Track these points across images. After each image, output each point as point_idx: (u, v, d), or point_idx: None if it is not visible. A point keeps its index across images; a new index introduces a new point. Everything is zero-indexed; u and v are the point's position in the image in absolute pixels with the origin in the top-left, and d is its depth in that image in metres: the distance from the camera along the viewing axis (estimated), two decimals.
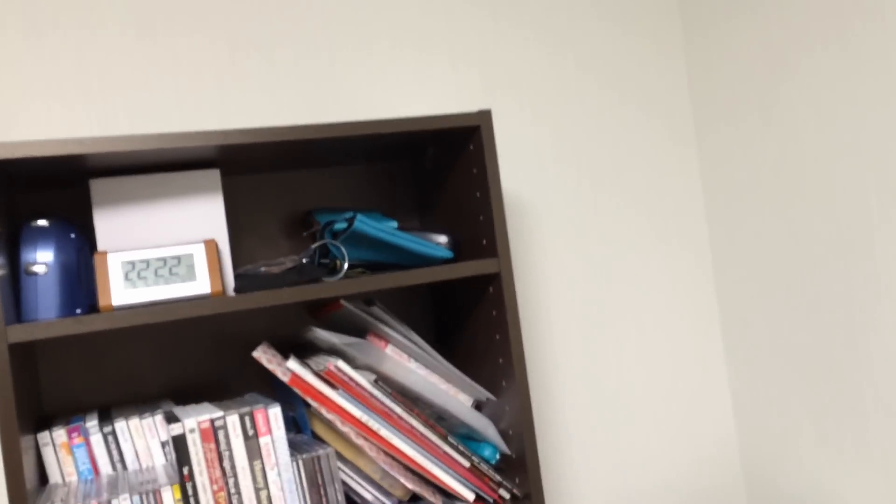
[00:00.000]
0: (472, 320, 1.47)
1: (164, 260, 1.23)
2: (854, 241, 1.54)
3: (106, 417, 1.30)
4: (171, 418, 1.20)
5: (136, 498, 1.13)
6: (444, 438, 1.34)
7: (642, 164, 1.88)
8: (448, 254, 1.40)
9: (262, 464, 1.20)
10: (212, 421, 1.17)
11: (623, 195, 1.86)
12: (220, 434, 1.18)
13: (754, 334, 1.82)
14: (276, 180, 1.55)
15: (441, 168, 1.52)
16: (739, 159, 1.79)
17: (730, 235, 1.85)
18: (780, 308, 1.74)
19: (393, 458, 1.33)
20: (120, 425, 1.26)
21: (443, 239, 1.44)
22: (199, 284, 1.24)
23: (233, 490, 1.18)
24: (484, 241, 1.40)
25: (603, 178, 1.84)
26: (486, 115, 1.36)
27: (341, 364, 1.28)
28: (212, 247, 1.26)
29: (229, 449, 1.18)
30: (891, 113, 1.44)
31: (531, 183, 1.78)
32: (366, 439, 1.31)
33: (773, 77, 1.67)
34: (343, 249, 1.35)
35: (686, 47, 1.90)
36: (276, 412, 1.21)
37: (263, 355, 1.30)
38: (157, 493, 1.14)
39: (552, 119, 1.80)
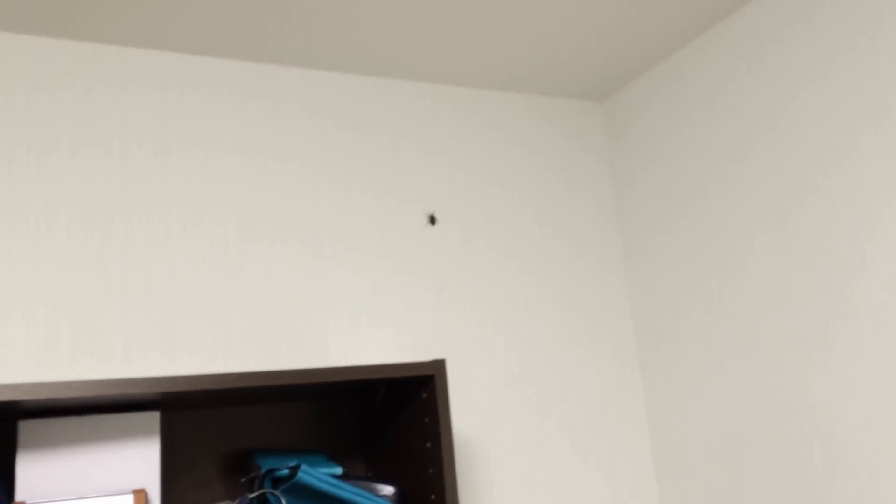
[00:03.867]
0: None
1: None
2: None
3: None
4: None
5: None
6: None
7: (591, 406, 1.87)
8: None
9: None
10: None
11: (572, 441, 1.83)
12: None
13: None
14: (217, 416, 1.49)
15: (391, 410, 1.49)
16: (684, 401, 1.80)
17: (677, 487, 1.82)
18: None
19: None
20: None
21: (388, 490, 1.37)
22: None
23: None
24: (432, 497, 1.33)
25: (553, 423, 1.82)
26: (440, 365, 1.35)
27: None
28: (141, 498, 1.18)
29: None
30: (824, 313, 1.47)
31: (480, 426, 1.74)
32: None
33: (709, 315, 1.72)
34: (283, 500, 1.27)
35: (629, 290, 1.97)
36: None
37: None
38: None
39: (502, 361, 1.80)
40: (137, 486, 1.23)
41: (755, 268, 1.63)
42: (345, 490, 1.30)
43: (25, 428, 1.18)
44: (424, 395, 1.37)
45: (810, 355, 1.52)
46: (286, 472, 1.30)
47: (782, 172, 1.58)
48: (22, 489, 1.17)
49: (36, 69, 1.52)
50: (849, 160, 1.45)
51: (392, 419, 1.48)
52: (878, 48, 1.40)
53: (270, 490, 1.29)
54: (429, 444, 1.35)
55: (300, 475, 1.26)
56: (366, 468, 1.58)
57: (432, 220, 1.79)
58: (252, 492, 1.39)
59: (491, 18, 1.62)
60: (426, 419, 1.36)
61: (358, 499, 1.30)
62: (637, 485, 1.87)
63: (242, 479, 1.45)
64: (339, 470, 1.44)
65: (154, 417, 1.26)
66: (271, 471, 1.32)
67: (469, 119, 1.91)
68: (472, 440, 1.73)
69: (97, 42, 1.57)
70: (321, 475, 1.28)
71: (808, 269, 1.52)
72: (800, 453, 1.53)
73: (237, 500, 1.39)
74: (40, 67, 1.52)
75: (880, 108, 1.39)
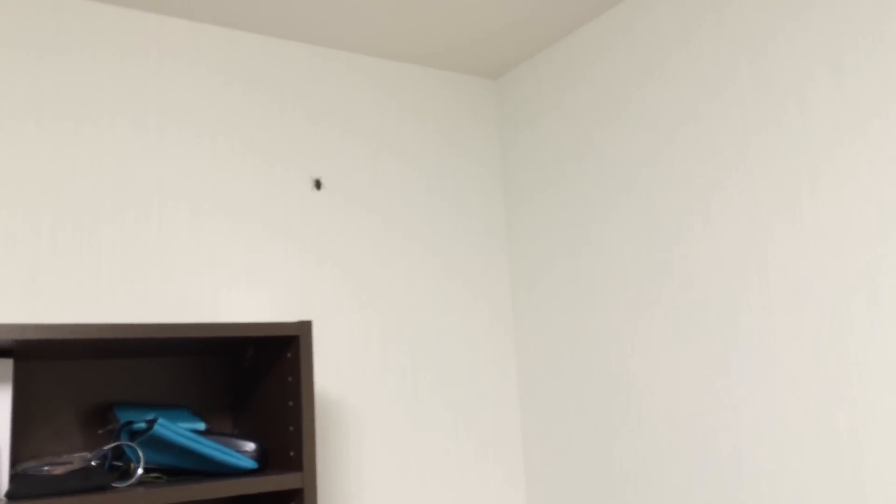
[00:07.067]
0: None
1: None
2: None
3: None
4: None
5: None
6: None
7: (463, 370, 1.93)
8: (252, 464, 1.36)
9: None
10: None
11: (444, 404, 1.89)
12: None
13: None
14: (79, 368, 1.48)
15: (259, 369, 1.51)
16: (552, 382, 1.88)
17: (542, 451, 1.91)
18: None
19: None
20: None
21: (250, 447, 1.40)
22: None
23: None
24: (291, 453, 1.37)
25: (426, 387, 1.87)
26: (305, 326, 1.38)
27: None
28: None
29: None
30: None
31: (353, 387, 1.78)
32: None
33: (577, 283, 1.81)
34: (139, 452, 1.28)
35: (510, 258, 2.04)
36: None
37: None
38: None
39: (379, 323, 1.84)
40: None
41: (617, 233, 1.72)
42: (202, 444, 1.31)
43: None
44: (289, 355, 1.39)
45: (657, 321, 1.62)
46: (143, 425, 1.31)
47: (641, 146, 1.67)
48: None
49: None
50: (699, 134, 1.54)
51: (259, 378, 1.50)
52: (719, 39, 1.49)
53: (127, 442, 1.30)
54: (291, 403, 1.38)
55: (156, 428, 1.27)
56: (233, 425, 1.60)
57: (318, 184, 1.80)
58: (110, 444, 1.39)
59: None
60: (290, 378, 1.39)
61: (215, 453, 1.32)
62: (503, 447, 1.95)
63: (100, 431, 1.45)
64: (201, 425, 1.45)
65: (7, 365, 1.24)
66: (128, 423, 1.33)
67: (362, 86, 1.92)
68: (345, 401, 1.76)
69: None
70: (179, 429, 1.30)
71: (661, 234, 1.62)
72: (650, 418, 1.64)
73: (94, 452, 1.39)
74: None
75: (726, 86, 1.49)
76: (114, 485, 1.24)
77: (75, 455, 1.37)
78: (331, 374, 1.76)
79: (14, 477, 1.19)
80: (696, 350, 1.55)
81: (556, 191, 1.91)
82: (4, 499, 1.18)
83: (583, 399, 1.80)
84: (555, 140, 1.93)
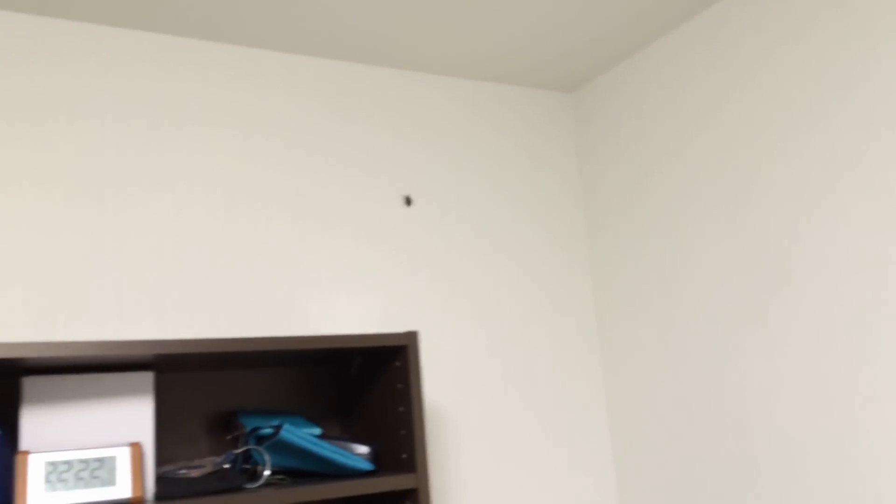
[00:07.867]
0: None
1: (87, 462, 1.24)
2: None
3: None
4: None
5: None
6: None
7: (552, 376, 2.00)
8: (368, 466, 1.45)
9: None
10: None
11: (535, 410, 1.96)
12: None
13: None
14: (204, 378, 1.59)
15: (367, 377, 1.60)
16: (638, 372, 1.94)
17: (633, 458, 1.96)
18: None
19: None
20: None
21: (364, 450, 1.49)
22: (120, 489, 1.25)
23: None
24: (404, 456, 1.45)
25: (517, 391, 1.95)
26: (412, 336, 1.47)
27: None
28: (136, 451, 1.28)
29: None
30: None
31: (449, 392, 1.87)
32: None
33: (663, 290, 1.86)
34: (267, 456, 1.38)
35: (591, 267, 2.10)
36: None
37: None
38: None
39: (471, 332, 1.92)
40: (133, 440, 1.33)
41: (703, 245, 1.77)
42: (323, 448, 1.41)
43: (29, 384, 1.28)
44: (398, 364, 1.49)
45: (749, 331, 1.66)
46: (269, 430, 1.41)
47: (727, 158, 1.71)
48: (26, 440, 1.27)
49: (39, 46, 1.59)
50: (788, 146, 1.58)
51: (367, 385, 1.60)
52: (805, 50, 1.53)
53: (255, 447, 1.40)
54: (401, 409, 1.47)
55: (283, 433, 1.37)
56: (341, 430, 1.70)
57: (408, 201, 1.89)
58: (236, 448, 1.51)
59: (471, 13, 1.72)
60: (399, 385, 1.48)
61: (336, 456, 1.42)
62: (592, 448, 2.01)
63: (228, 437, 1.56)
64: (317, 430, 1.55)
65: (148, 378, 1.36)
66: (255, 429, 1.43)
67: (445, 106, 2.02)
68: (441, 406, 1.85)
69: (100, 23, 1.65)
70: (302, 434, 1.40)
71: (750, 246, 1.66)
72: (740, 424, 1.68)
73: (223, 456, 1.51)
74: (44, 44, 1.60)
75: (815, 99, 1.53)
76: (245, 486, 1.34)
77: (206, 459, 1.49)
78: (428, 379, 1.84)
79: (159, 479, 1.30)
80: (790, 359, 1.59)
81: (636, 203, 1.96)
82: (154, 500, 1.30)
83: (673, 409, 1.85)
84: (632, 152, 1.98)
